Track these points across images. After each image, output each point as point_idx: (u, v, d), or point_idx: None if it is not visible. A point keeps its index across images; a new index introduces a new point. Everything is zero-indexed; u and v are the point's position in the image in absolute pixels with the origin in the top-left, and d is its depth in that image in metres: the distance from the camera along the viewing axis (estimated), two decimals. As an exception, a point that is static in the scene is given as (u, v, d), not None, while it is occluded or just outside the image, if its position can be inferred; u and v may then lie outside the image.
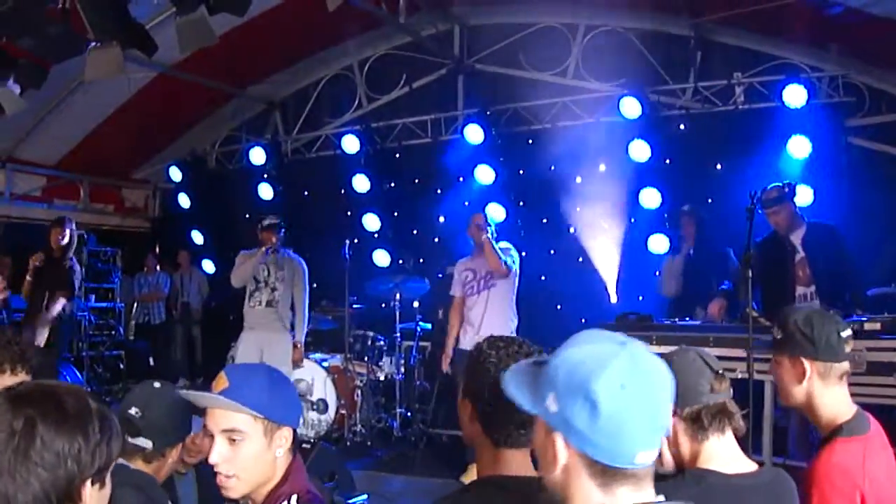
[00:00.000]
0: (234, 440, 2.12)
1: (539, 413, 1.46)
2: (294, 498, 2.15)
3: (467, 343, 6.47)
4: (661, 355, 2.32)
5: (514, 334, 6.44)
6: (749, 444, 4.17)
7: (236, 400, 2.11)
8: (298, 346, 7.17)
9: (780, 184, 5.98)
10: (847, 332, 2.48)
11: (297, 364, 7.22)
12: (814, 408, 2.48)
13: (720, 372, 2.21)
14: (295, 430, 2.25)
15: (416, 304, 8.46)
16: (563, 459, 1.43)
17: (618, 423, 1.36)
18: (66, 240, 7.61)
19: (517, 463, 2.01)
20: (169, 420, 2.67)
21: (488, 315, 6.53)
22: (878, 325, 4.74)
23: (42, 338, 7.43)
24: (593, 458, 1.39)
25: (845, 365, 2.47)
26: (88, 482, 1.54)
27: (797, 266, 5.87)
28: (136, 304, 11.38)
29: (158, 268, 11.18)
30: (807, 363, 2.46)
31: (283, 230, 7.20)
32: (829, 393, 2.45)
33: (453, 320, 6.73)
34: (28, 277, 7.52)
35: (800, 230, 5.90)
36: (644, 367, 1.41)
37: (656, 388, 1.41)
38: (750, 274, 4.75)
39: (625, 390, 1.36)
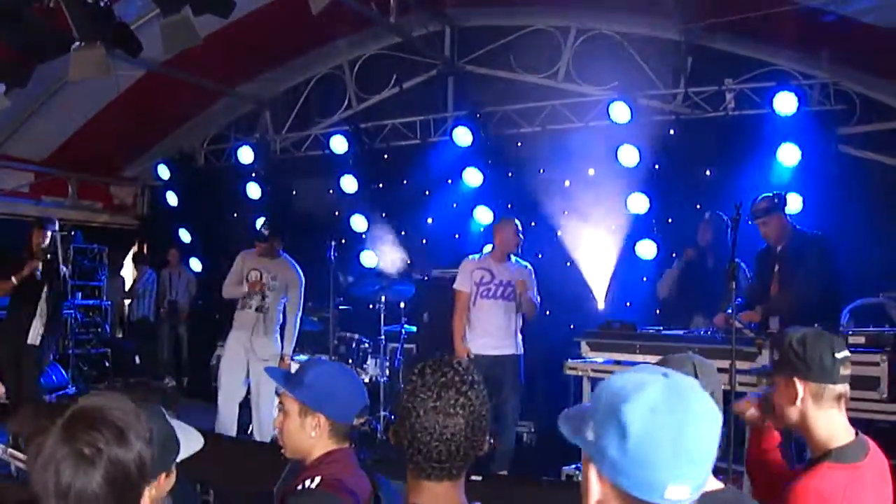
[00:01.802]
0: (282, 412, 2.69)
1: (578, 443, 1.40)
2: (318, 479, 2.49)
3: (479, 347, 6.37)
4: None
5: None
6: (730, 455, 4.15)
7: (283, 382, 2.73)
8: (287, 358, 7.06)
9: (771, 194, 5.87)
10: (843, 354, 2.43)
11: None
12: (808, 429, 2.44)
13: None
14: (347, 425, 2.67)
15: (401, 305, 8.42)
16: (596, 494, 1.37)
17: (646, 450, 1.30)
18: (47, 242, 7.51)
19: (435, 495, 1.90)
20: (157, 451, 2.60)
21: (508, 324, 6.44)
22: (861, 339, 4.71)
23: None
24: (625, 489, 1.32)
25: (842, 387, 2.42)
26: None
27: (774, 281, 5.80)
28: (129, 302, 11.37)
29: (143, 266, 11.15)
30: (799, 384, 2.42)
31: (279, 234, 7.16)
32: (823, 415, 2.41)
33: (457, 320, 6.53)
34: (24, 272, 7.38)
35: (787, 242, 5.80)
36: (682, 397, 1.34)
37: (692, 419, 1.33)
38: (733, 286, 4.72)
39: (654, 414, 1.31)
